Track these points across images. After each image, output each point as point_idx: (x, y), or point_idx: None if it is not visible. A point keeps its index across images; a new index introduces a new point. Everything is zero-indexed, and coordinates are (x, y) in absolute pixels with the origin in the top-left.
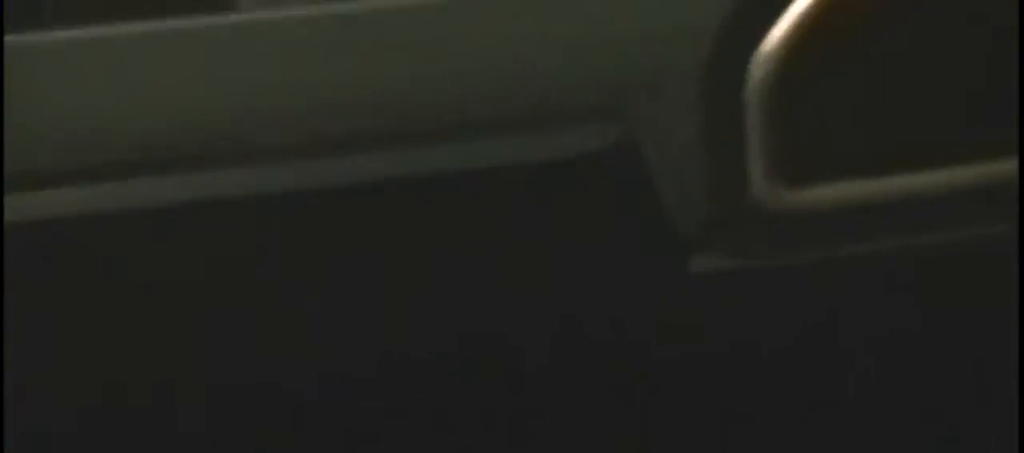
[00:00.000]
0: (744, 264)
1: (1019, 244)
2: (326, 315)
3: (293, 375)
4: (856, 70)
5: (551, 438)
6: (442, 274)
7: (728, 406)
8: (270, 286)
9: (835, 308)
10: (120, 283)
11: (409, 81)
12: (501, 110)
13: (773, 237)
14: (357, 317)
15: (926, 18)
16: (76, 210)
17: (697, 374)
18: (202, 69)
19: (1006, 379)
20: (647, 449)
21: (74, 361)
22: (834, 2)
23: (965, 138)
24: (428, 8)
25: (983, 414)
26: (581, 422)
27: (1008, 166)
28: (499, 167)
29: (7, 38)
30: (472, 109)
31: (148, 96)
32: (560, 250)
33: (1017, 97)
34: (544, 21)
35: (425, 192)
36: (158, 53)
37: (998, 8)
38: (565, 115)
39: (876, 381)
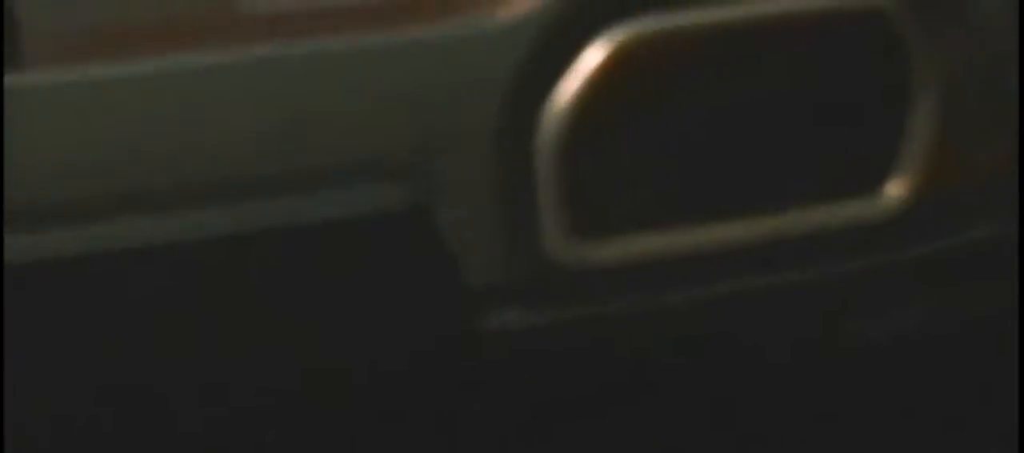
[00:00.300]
0: (540, 319)
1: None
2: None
3: None
4: (647, 123)
5: None
6: (231, 338)
7: None
8: None
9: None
10: None
11: (198, 140)
12: (291, 169)
13: (568, 291)
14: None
15: (715, 73)
16: None
17: (496, 429)
18: None
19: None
20: None
21: None
22: (623, 57)
23: (756, 191)
24: (216, 67)
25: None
26: None
27: (799, 218)
28: (291, 227)
29: None
30: (260, 168)
31: None
32: (351, 310)
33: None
34: (334, 80)
35: (214, 252)
36: None
37: (784, 66)
38: (356, 174)
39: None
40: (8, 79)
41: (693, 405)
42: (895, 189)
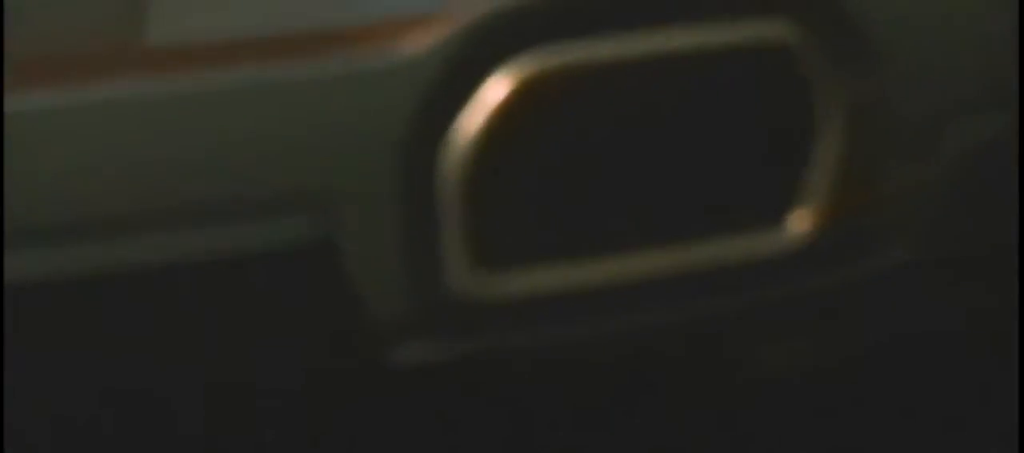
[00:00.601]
0: (445, 353)
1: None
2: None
3: None
4: (550, 156)
5: None
6: (133, 371)
7: None
8: None
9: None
10: None
11: (101, 173)
12: (192, 203)
13: (474, 325)
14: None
15: (618, 106)
16: None
17: None
18: None
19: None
20: None
21: None
22: (525, 90)
23: (660, 224)
24: (120, 100)
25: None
26: None
27: (702, 251)
28: (193, 261)
29: None
30: (162, 201)
31: None
32: (254, 344)
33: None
34: (237, 113)
35: (114, 285)
36: None
37: (687, 100)
38: (258, 208)
39: None
40: None
41: (600, 438)
42: (798, 222)
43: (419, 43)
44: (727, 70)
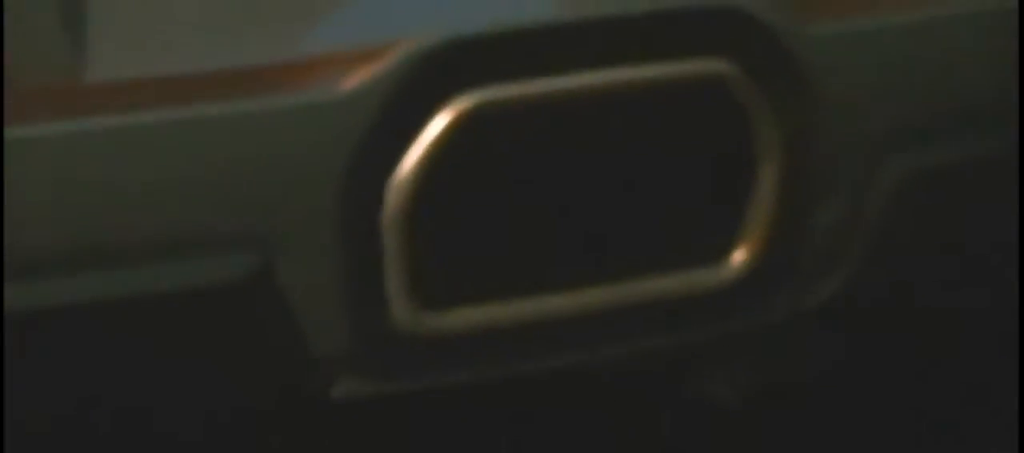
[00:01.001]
0: (386, 388)
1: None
2: None
3: None
4: (490, 193)
5: None
6: (76, 404)
7: None
8: None
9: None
10: None
11: (43, 209)
12: (136, 238)
13: (415, 360)
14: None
15: (558, 142)
16: None
17: None
18: None
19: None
20: None
21: None
22: (465, 127)
23: (600, 260)
24: (57, 136)
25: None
26: None
27: (643, 287)
28: (134, 298)
29: None
30: (101, 238)
31: None
32: (196, 378)
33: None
34: (178, 149)
35: (55, 322)
36: None
37: (627, 135)
38: (200, 243)
39: None
40: None
41: None
42: (738, 255)
43: (360, 79)
44: (667, 108)
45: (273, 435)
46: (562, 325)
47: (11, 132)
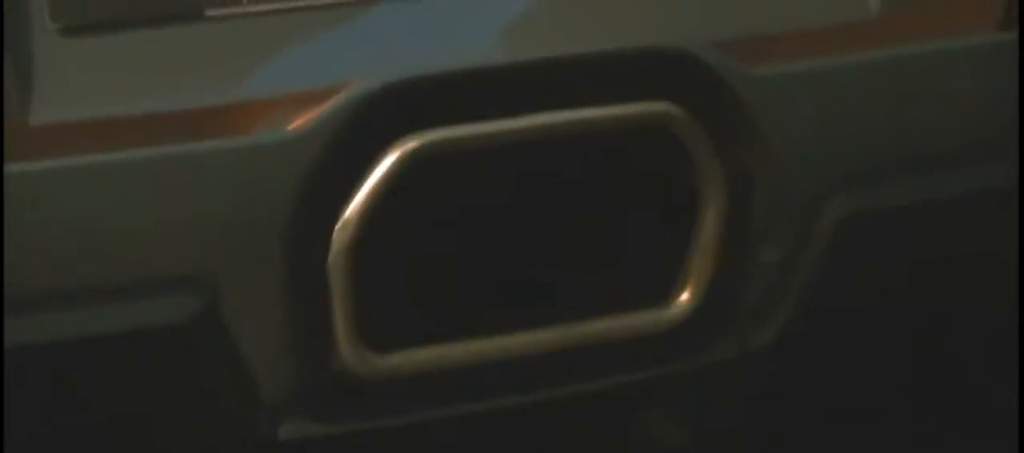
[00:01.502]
0: (332, 430)
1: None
2: None
3: None
4: (438, 234)
5: None
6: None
7: None
8: None
9: None
10: None
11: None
12: (79, 282)
13: (362, 402)
14: None
15: (505, 183)
16: None
17: None
18: None
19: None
20: None
21: None
22: (411, 168)
23: (546, 303)
24: (7, 178)
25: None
26: None
27: (587, 329)
28: (80, 339)
29: None
30: (46, 280)
31: None
32: (147, 422)
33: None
34: (123, 191)
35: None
36: None
37: (573, 176)
38: (147, 285)
39: None
40: None
41: None
42: (682, 296)
43: (306, 122)
44: (612, 149)
45: None
46: (508, 367)
47: None
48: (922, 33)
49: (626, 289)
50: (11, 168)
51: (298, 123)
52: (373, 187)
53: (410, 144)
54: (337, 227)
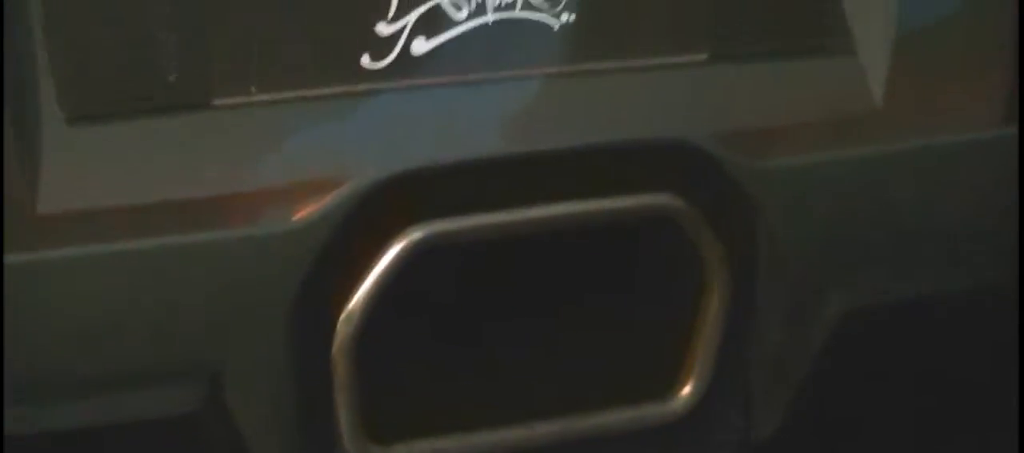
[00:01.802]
0: None
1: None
2: None
3: None
4: (443, 326)
5: None
6: None
7: None
8: None
9: None
10: None
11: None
12: (86, 371)
13: None
14: None
15: (510, 276)
16: None
17: None
18: None
19: None
20: None
21: None
22: (415, 260)
23: (550, 395)
24: (14, 267)
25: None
26: None
27: (592, 421)
28: (87, 428)
29: None
30: (53, 369)
31: None
32: None
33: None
34: (132, 281)
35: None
36: None
37: (577, 268)
38: (151, 375)
39: None
40: None
41: None
42: (685, 389)
43: (310, 213)
44: (616, 241)
45: None
46: None
47: None
48: (925, 126)
49: (630, 381)
50: (18, 257)
51: (304, 213)
52: (378, 278)
53: (415, 235)
54: (341, 318)
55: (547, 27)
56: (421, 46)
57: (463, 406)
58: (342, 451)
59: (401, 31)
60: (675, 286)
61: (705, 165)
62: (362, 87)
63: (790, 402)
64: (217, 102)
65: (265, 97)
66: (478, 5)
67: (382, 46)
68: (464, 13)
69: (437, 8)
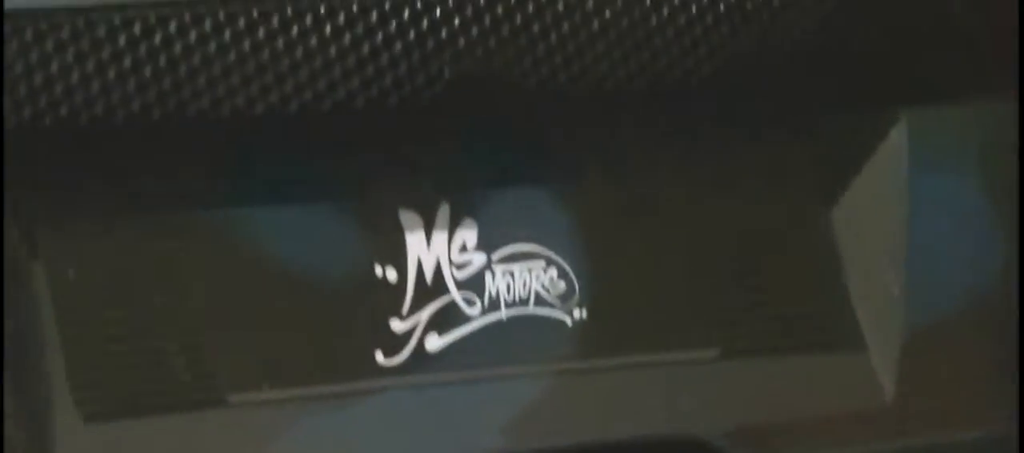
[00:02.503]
0: None
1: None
2: None
3: None
4: None
5: None
6: None
7: None
8: None
9: None
10: None
11: None
12: None
13: None
14: None
15: None
16: None
17: None
18: None
19: None
20: None
21: None
22: None
23: None
24: None
25: None
26: None
27: None
28: None
29: None
30: None
31: None
32: None
33: None
34: None
35: None
36: None
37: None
38: None
39: None
40: None
41: None
42: None
43: None
44: None
45: None
46: None
47: None
48: (937, 423)
49: None
50: None
51: None
52: None
53: None
54: None
55: (561, 323)
56: (435, 342)
57: None
58: None
59: (414, 328)
60: None
61: None
62: (376, 384)
63: None
64: (232, 399)
65: (279, 394)
66: (491, 301)
67: (396, 343)
68: (477, 309)
69: (451, 304)
